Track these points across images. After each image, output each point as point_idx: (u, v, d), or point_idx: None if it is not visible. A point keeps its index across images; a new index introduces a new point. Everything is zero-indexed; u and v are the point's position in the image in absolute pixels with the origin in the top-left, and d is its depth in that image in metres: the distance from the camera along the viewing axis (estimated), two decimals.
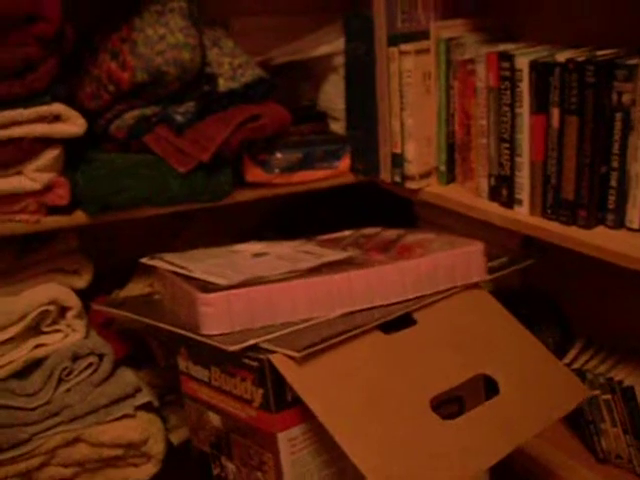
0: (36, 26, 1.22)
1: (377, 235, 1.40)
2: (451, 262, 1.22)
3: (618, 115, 1.19)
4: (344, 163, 1.48)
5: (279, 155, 1.41)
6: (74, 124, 1.26)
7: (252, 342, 1.09)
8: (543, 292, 1.48)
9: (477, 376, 1.15)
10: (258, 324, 1.14)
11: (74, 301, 1.34)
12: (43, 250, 1.35)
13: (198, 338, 1.13)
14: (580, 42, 1.30)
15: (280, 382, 1.08)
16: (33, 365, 1.33)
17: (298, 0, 1.60)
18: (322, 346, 1.08)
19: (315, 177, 1.45)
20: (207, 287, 1.16)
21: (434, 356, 1.15)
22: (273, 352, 1.08)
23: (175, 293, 1.24)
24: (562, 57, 1.23)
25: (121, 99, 1.35)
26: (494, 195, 1.36)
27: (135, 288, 1.44)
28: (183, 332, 1.16)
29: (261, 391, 1.09)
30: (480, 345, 1.19)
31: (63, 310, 1.34)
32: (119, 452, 1.33)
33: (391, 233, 1.40)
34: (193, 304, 1.15)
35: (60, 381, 1.32)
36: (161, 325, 1.20)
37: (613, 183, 1.22)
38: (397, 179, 1.45)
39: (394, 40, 1.38)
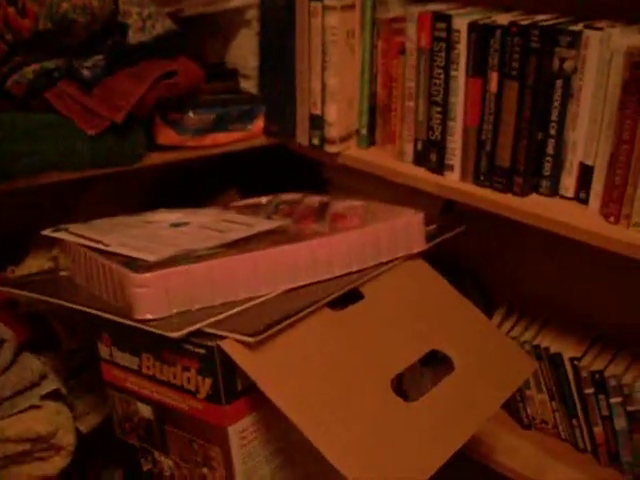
0: None
1: (299, 202, 1.26)
2: (393, 232, 1.10)
3: (559, 82, 1.10)
4: (257, 125, 1.31)
5: (192, 115, 1.23)
6: None
7: (197, 326, 0.93)
8: (461, 260, 1.39)
9: (430, 352, 1.04)
10: (197, 305, 0.97)
11: None
12: None
13: (130, 323, 0.95)
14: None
15: (230, 370, 0.92)
16: None
17: None
18: (277, 328, 0.93)
19: (229, 139, 1.28)
20: (135, 264, 0.98)
21: (386, 333, 1.03)
22: (221, 337, 0.92)
23: (92, 271, 1.05)
24: (502, 20, 1.12)
25: (19, 50, 1.13)
26: (421, 160, 1.24)
27: (34, 264, 1.22)
28: (110, 316, 0.98)
29: (209, 381, 0.93)
30: (428, 319, 1.08)
31: None
32: (26, 447, 1.12)
33: (313, 200, 1.26)
34: (122, 285, 0.97)
35: None
36: (82, 309, 1.01)
37: (550, 150, 1.13)
38: (315, 142, 1.29)
39: None
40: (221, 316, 0.95)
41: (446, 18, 1.15)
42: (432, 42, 1.17)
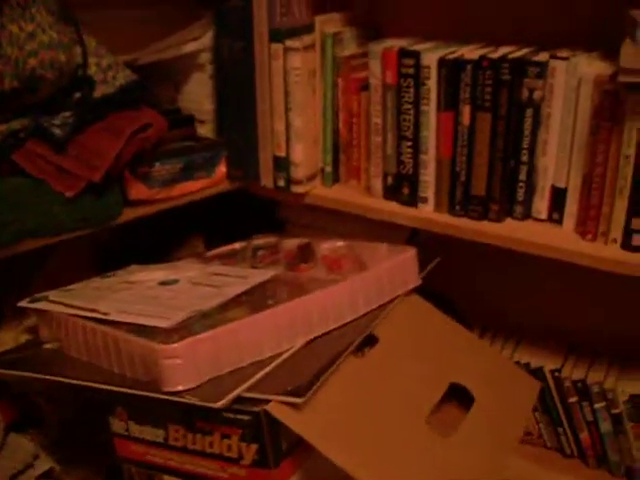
0: None
1: (276, 246, 1.21)
2: (392, 272, 1.08)
3: (529, 111, 1.12)
4: (220, 170, 1.25)
5: (159, 167, 1.16)
6: None
7: (236, 393, 0.87)
8: (431, 285, 1.39)
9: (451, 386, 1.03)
10: (226, 369, 0.92)
11: None
12: None
13: (159, 397, 0.88)
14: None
15: (275, 433, 0.88)
16: None
17: None
18: (319, 384, 0.89)
19: (195, 188, 1.21)
20: (151, 333, 0.91)
21: (409, 372, 1.01)
22: (262, 400, 0.87)
23: (96, 343, 0.97)
24: (468, 53, 1.13)
25: None
26: (391, 194, 1.23)
27: (6, 337, 1.11)
28: (131, 392, 0.90)
29: (254, 447, 0.88)
30: (439, 352, 1.07)
31: None
32: None
33: (290, 243, 1.22)
34: (145, 357, 0.90)
35: None
36: (94, 386, 0.93)
37: (522, 177, 1.15)
38: (281, 183, 1.25)
39: (276, 35, 1.18)
40: (254, 378, 0.90)
41: (414, 54, 1.15)
42: (399, 78, 1.17)
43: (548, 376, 1.24)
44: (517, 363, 1.25)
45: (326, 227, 1.32)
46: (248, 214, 1.37)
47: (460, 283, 1.37)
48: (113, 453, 1.00)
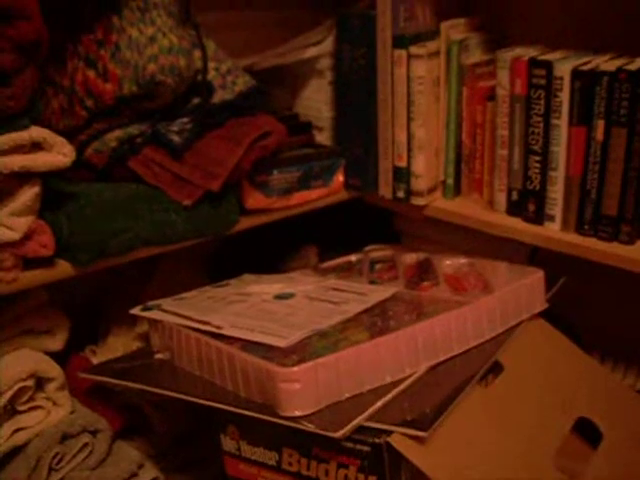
0: (13, 26, 0.83)
1: (393, 260, 1.14)
2: (519, 295, 1.00)
3: None
4: (337, 179, 1.19)
5: (277, 175, 1.10)
6: (60, 153, 0.89)
7: (357, 422, 0.81)
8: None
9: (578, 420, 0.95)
10: (345, 395, 0.85)
11: (56, 371, 0.97)
12: (8, 310, 0.97)
13: (277, 422, 0.83)
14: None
15: (396, 465, 0.81)
16: (10, 455, 0.95)
17: None
18: (443, 417, 0.82)
19: (312, 197, 1.15)
20: (269, 353, 0.86)
21: (536, 404, 0.92)
22: (385, 431, 0.80)
23: (209, 357, 0.92)
24: (601, 64, 1.03)
25: (100, 116, 0.99)
26: (515, 210, 1.14)
27: (117, 343, 1.07)
28: (248, 413, 0.85)
29: (373, 478, 0.81)
30: (565, 383, 0.98)
31: (40, 381, 0.97)
32: None
33: (409, 258, 1.14)
34: (261, 378, 0.84)
35: (50, 471, 0.95)
36: (210, 404, 0.88)
37: None
38: (400, 195, 1.18)
39: (400, 42, 1.11)
40: (375, 407, 0.83)
41: (545, 64, 1.06)
42: (529, 89, 1.08)
43: None
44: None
45: (443, 240, 1.25)
46: (362, 224, 1.30)
47: (579, 304, 1.27)
48: (222, 470, 0.95)
